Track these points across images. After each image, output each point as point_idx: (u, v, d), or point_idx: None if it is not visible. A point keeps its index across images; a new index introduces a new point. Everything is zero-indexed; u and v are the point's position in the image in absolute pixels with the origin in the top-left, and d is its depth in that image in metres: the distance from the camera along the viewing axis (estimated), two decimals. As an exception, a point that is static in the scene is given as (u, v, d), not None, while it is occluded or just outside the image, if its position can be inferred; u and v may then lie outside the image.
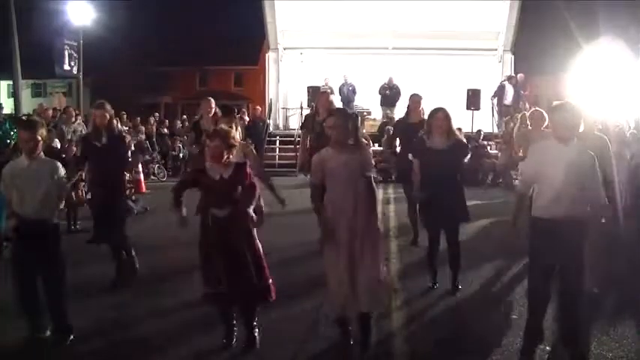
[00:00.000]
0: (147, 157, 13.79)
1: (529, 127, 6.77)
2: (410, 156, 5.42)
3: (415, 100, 7.01)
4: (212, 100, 6.78)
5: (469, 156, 5.80)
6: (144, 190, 11.20)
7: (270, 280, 3.94)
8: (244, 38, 31.27)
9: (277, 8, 17.21)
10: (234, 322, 3.99)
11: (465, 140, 5.59)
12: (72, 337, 4.01)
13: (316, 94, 15.19)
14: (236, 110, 6.34)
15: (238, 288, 3.81)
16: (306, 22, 17.41)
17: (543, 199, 3.66)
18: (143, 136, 14.89)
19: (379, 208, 4.02)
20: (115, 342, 4.12)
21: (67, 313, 4.05)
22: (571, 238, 3.59)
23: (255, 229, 3.97)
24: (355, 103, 16.89)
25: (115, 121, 5.61)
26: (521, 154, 6.65)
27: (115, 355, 3.98)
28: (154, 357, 3.95)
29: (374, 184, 3.95)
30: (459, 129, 13.84)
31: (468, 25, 16.82)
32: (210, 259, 3.85)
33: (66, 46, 18.19)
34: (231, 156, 3.86)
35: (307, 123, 7.16)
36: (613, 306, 4.78)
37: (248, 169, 3.97)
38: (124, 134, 6.18)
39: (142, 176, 11.55)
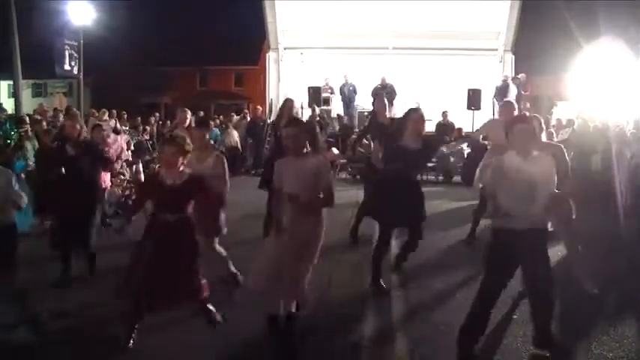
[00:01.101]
0: (147, 157, 13.78)
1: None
2: (380, 156, 5.45)
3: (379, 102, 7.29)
4: (188, 111, 6.78)
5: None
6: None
7: (203, 282, 4.01)
8: (244, 38, 31.28)
9: (278, 8, 17.22)
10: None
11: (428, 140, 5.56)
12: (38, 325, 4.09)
13: (317, 94, 15.30)
14: (210, 121, 6.35)
15: (166, 291, 3.85)
16: (307, 22, 17.42)
17: (502, 210, 3.65)
18: (147, 137, 14.88)
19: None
20: (111, 342, 4.12)
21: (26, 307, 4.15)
22: (531, 246, 3.64)
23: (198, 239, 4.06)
24: (356, 103, 16.92)
25: (83, 132, 5.66)
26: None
27: (114, 355, 3.98)
28: (153, 356, 3.95)
29: (332, 192, 3.98)
30: (459, 129, 13.96)
31: (469, 25, 16.82)
32: (142, 262, 3.87)
33: (66, 46, 18.20)
34: (185, 162, 3.94)
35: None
36: (613, 306, 4.78)
37: (204, 184, 4.02)
38: (94, 142, 6.20)
39: (142, 176, 11.54)
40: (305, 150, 3.96)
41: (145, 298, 3.84)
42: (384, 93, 15.64)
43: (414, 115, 5.15)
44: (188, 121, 6.63)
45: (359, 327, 4.37)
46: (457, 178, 12.92)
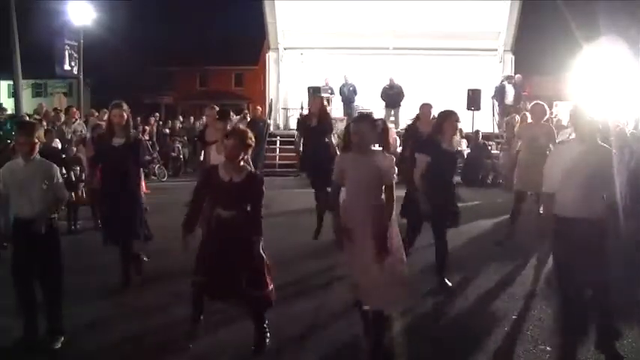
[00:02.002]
0: (147, 157, 13.79)
1: (529, 121, 6.80)
2: (422, 157, 5.30)
3: (425, 110, 7.02)
4: (216, 109, 6.76)
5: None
6: (144, 190, 11.19)
7: (270, 288, 3.90)
8: (244, 38, 31.33)
9: (278, 8, 17.22)
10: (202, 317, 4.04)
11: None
12: (62, 338, 4.01)
13: (314, 95, 15.25)
14: (230, 111, 6.35)
15: (226, 288, 3.81)
16: (307, 22, 17.41)
17: (566, 198, 3.71)
18: (147, 137, 14.88)
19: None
20: (116, 342, 4.12)
21: (61, 315, 4.05)
22: (591, 236, 3.65)
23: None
24: (356, 104, 16.92)
25: (130, 122, 5.54)
26: (519, 148, 6.69)
27: (116, 355, 3.98)
28: (154, 357, 3.96)
29: (393, 192, 3.88)
30: (460, 129, 13.94)
31: (469, 25, 16.82)
32: (207, 251, 3.86)
33: (66, 46, 18.21)
34: (246, 157, 3.86)
35: (299, 126, 7.63)
36: (613, 306, 4.77)
37: (262, 183, 3.92)
38: (139, 137, 6.07)
39: (142, 176, 11.54)
40: (372, 146, 3.86)
41: (205, 293, 3.88)
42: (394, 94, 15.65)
43: (454, 117, 5.16)
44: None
45: (357, 328, 4.36)
46: (457, 178, 12.92)
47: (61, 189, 4.09)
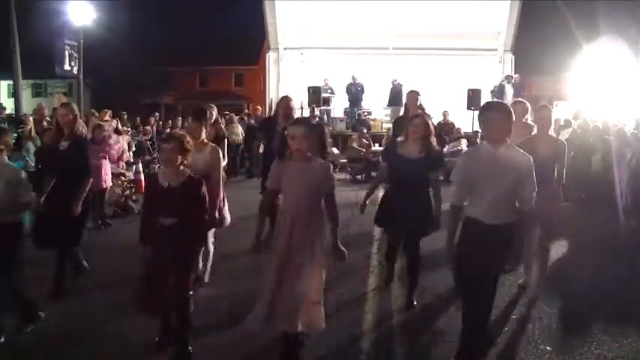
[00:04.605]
0: (147, 157, 13.80)
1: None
2: (380, 159, 5.21)
3: (411, 96, 6.89)
4: (214, 108, 6.44)
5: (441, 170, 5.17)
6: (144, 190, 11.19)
7: (190, 294, 3.80)
8: (244, 38, 31.35)
9: (278, 8, 17.24)
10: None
11: (440, 154, 5.11)
12: (33, 325, 4.11)
13: (317, 94, 15.28)
14: (207, 111, 5.97)
15: (164, 295, 3.70)
16: (307, 22, 17.43)
17: (474, 203, 3.42)
18: (147, 137, 14.87)
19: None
20: (112, 342, 4.11)
21: (27, 304, 4.16)
22: (496, 244, 3.33)
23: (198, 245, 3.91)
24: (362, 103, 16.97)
25: (79, 124, 5.21)
26: None
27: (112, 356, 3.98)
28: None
29: (334, 201, 3.66)
30: (458, 129, 13.92)
31: (468, 25, 16.84)
32: (152, 267, 3.74)
33: (66, 46, 18.21)
34: (185, 162, 3.73)
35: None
36: (613, 306, 4.78)
37: (203, 188, 3.78)
38: (86, 138, 5.69)
39: (142, 176, 11.54)
40: (309, 153, 3.59)
41: (146, 303, 3.73)
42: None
43: (415, 121, 4.76)
44: (214, 117, 6.33)
45: (356, 329, 4.36)
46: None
47: (25, 193, 4.03)
